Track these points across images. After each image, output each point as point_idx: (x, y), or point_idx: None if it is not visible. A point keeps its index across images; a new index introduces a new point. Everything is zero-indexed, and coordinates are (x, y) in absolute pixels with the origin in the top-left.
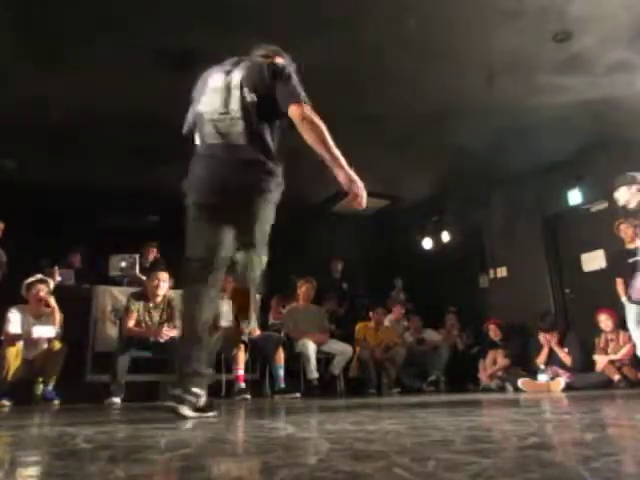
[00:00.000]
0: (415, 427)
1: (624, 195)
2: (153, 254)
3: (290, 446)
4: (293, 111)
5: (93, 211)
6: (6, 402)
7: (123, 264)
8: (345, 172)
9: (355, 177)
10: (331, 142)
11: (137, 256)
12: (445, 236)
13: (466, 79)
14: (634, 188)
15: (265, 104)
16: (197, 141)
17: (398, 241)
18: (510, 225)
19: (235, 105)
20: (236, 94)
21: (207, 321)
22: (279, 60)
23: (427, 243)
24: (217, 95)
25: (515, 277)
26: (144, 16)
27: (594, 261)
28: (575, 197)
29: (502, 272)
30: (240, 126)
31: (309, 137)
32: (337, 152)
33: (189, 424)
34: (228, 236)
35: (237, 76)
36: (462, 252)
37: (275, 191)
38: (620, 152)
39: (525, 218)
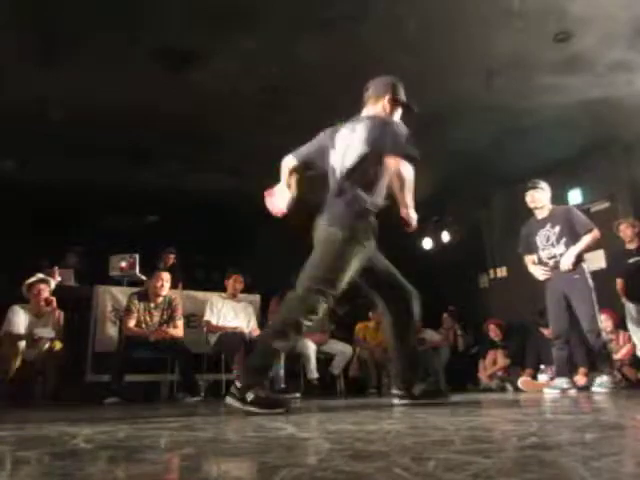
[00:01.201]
0: (415, 427)
1: (538, 199)
2: (171, 260)
3: (290, 446)
4: (389, 163)
5: (93, 211)
6: (7, 402)
7: (123, 264)
8: (411, 212)
9: (414, 214)
10: (411, 191)
11: (137, 256)
12: (445, 236)
13: (466, 79)
14: (543, 194)
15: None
16: None
17: (398, 241)
18: (510, 225)
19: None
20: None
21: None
22: (387, 107)
23: (427, 243)
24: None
25: (515, 277)
26: (144, 16)
27: (594, 261)
28: (575, 197)
29: (502, 272)
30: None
31: (395, 185)
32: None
33: (190, 423)
34: None
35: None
36: (462, 252)
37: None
38: (620, 152)
39: (525, 218)
